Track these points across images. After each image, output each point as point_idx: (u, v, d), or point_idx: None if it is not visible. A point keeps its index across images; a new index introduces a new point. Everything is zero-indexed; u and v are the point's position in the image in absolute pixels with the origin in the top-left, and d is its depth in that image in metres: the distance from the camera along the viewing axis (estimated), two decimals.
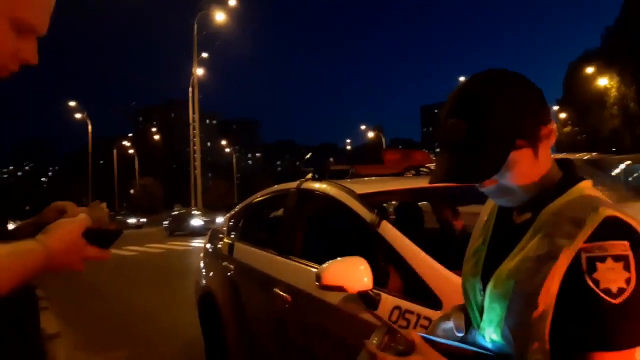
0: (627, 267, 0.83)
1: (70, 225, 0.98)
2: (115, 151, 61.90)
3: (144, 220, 41.70)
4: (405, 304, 1.96)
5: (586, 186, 0.98)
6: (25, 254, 0.89)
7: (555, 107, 51.68)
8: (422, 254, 2.03)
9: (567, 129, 47.71)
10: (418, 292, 1.95)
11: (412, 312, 1.91)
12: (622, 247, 0.84)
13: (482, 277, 1.05)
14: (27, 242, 0.92)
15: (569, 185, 0.97)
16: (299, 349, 2.66)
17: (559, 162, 1.03)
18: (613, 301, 0.82)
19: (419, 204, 3.41)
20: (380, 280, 2.11)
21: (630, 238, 0.85)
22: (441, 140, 1.01)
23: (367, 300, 2.07)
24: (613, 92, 41.15)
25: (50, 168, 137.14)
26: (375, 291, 2.06)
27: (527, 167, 0.95)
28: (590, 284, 0.83)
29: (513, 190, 0.98)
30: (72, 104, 51.59)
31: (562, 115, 48.75)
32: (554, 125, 0.97)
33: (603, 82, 40.85)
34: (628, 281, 0.82)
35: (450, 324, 1.17)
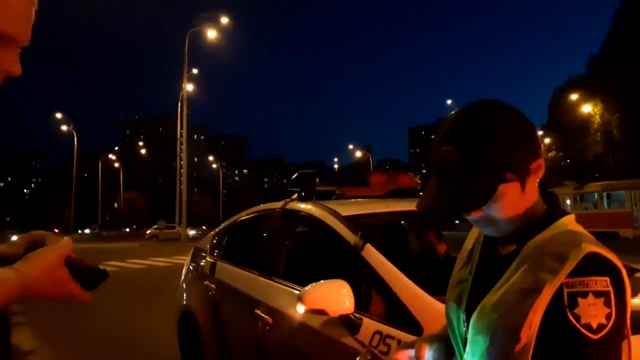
0: (607, 303, 0.84)
1: (51, 252, 0.94)
2: (100, 164, 61.31)
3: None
4: (387, 329, 1.94)
5: (569, 220, 0.99)
6: None
7: (540, 132, 52.50)
8: (405, 278, 2.02)
9: (552, 154, 48.39)
10: (399, 317, 1.93)
11: (392, 338, 1.89)
12: (603, 283, 0.85)
13: (466, 308, 1.05)
14: (1, 269, 0.87)
15: (553, 219, 0.98)
16: None
17: (543, 194, 1.04)
18: (593, 337, 0.82)
19: (402, 222, 3.41)
20: (362, 304, 2.09)
21: (611, 274, 0.86)
22: (432, 166, 1.01)
23: (349, 324, 2.06)
24: (597, 119, 41.94)
25: (34, 180, 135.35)
26: (357, 315, 2.05)
27: (514, 199, 0.96)
28: (572, 319, 0.84)
29: (498, 221, 0.98)
30: (58, 115, 51.21)
31: (547, 140, 49.48)
32: (542, 160, 0.98)
33: (587, 108, 41.64)
34: (609, 317, 0.83)
35: (411, 353, 1.18)
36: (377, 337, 1.95)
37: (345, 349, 2.04)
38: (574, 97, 42.57)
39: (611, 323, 0.83)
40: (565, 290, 0.85)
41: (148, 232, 41.38)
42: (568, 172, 41.71)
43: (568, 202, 23.77)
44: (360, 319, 2.05)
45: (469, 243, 1.17)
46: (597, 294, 0.84)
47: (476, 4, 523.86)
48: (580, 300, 0.84)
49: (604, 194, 22.19)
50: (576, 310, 0.84)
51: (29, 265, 0.90)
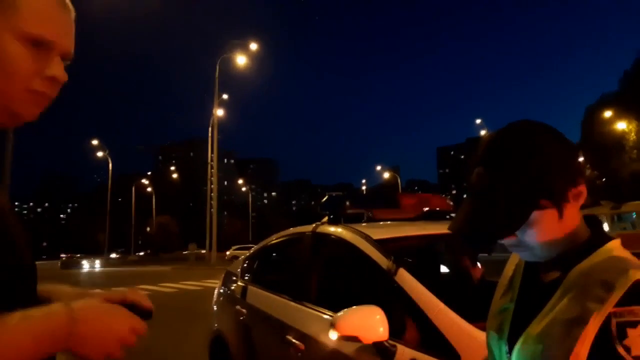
0: None
1: (105, 293, 0.91)
2: (133, 189, 62.70)
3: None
4: (422, 357, 1.89)
5: (615, 246, 0.95)
6: (42, 320, 0.76)
7: None
8: (441, 304, 1.97)
9: (587, 172, 47.20)
10: (436, 344, 1.88)
11: None
12: None
13: (508, 337, 1.01)
14: (49, 305, 0.79)
15: (597, 244, 0.94)
16: None
17: (586, 218, 1.00)
18: None
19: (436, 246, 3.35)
20: (396, 331, 2.05)
21: None
22: (467, 186, 0.99)
23: (383, 351, 2.01)
24: (632, 136, 40.82)
25: (70, 205, 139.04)
26: (391, 342, 2.00)
27: (550, 226, 0.93)
28: (621, 351, 0.80)
29: (533, 247, 0.95)
30: (94, 142, 52.75)
31: (581, 159, 48.37)
32: (583, 187, 0.94)
33: (622, 125, 40.60)
34: None
35: None
36: None
37: None
38: (607, 114, 41.63)
39: None
40: (614, 321, 0.82)
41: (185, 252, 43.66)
42: (604, 191, 40.54)
43: (605, 222, 23.06)
44: (395, 347, 2.00)
45: (509, 270, 1.13)
46: None
47: (507, 22, 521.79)
48: (629, 331, 0.80)
49: None
50: (626, 342, 0.80)
51: (81, 301, 0.84)
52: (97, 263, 51.00)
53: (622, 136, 41.43)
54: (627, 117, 40.16)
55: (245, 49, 31.83)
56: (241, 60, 31.91)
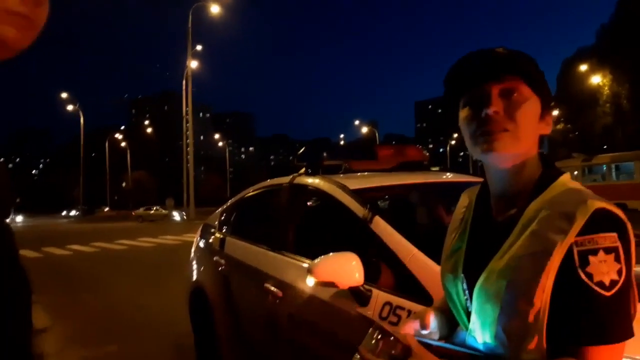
0: (617, 259, 0.84)
1: None
2: (107, 144, 61.46)
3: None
4: (397, 300, 1.95)
5: (567, 179, 0.99)
6: None
7: None
8: (414, 249, 2.02)
9: (560, 126, 47.91)
10: (409, 288, 1.93)
11: (403, 308, 1.90)
12: (612, 239, 0.85)
13: (466, 276, 1.03)
14: None
15: (551, 178, 0.98)
16: (289, 344, 2.65)
17: (539, 156, 1.03)
18: (606, 294, 0.83)
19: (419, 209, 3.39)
20: (371, 276, 2.10)
21: (618, 229, 0.86)
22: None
23: (358, 296, 2.06)
24: (606, 90, 41.34)
25: (42, 160, 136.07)
26: (367, 287, 2.06)
27: (530, 118, 0.96)
28: (584, 277, 0.84)
29: (512, 129, 0.94)
30: (64, 95, 51.15)
31: (555, 113, 48.95)
32: (551, 120, 1.01)
33: (596, 79, 41.02)
34: (620, 273, 0.84)
35: (417, 325, 1.15)
36: (387, 308, 1.96)
37: (355, 320, 2.05)
38: (583, 67, 41.89)
39: (622, 278, 0.84)
40: (576, 250, 0.85)
41: (133, 213, 42.84)
42: (576, 144, 41.35)
43: (576, 174, 23.63)
44: (370, 291, 2.05)
45: (459, 212, 1.15)
46: (607, 251, 0.84)
47: None
48: (591, 258, 0.84)
49: (613, 166, 22.05)
50: (588, 269, 0.84)
51: None
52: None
53: (596, 90, 41.92)
54: (602, 70, 40.53)
55: None
56: (215, 9, 30.91)
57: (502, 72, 0.95)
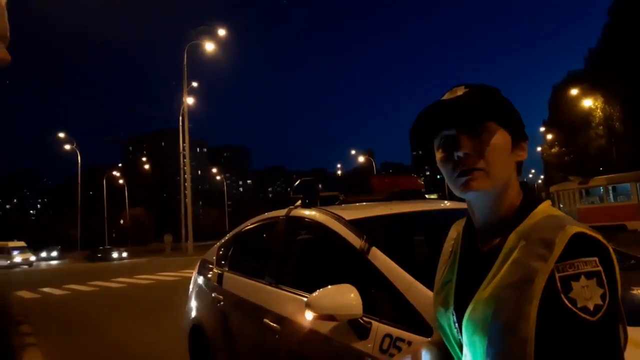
0: (600, 283, 0.84)
1: None
2: (104, 181, 61.47)
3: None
4: (397, 332, 1.93)
5: (547, 206, 1.00)
6: None
7: (542, 129, 52.41)
8: (412, 280, 2.01)
9: (555, 149, 48.25)
10: (409, 319, 1.91)
11: (403, 340, 1.88)
12: (592, 263, 0.85)
13: (455, 308, 1.03)
14: None
15: (531, 206, 0.99)
16: None
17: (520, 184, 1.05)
18: (591, 319, 0.82)
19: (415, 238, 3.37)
20: (371, 308, 2.08)
21: (599, 253, 0.86)
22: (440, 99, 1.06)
23: (358, 328, 2.04)
24: (598, 113, 41.80)
25: (39, 200, 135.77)
26: (366, 319, 2.04)
27: (502, 153, 0.98)
28: (568, 303, 0.84)
29: (485, 168, 0.96)
30: (61, 134, 51.42)
31: (549, 137, 49.37)
32: (526, 146, 1.04)
33: (588, 103, 41.52)
34: (604, 297, 0.83)
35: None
36: (388, 340, 1.93)
37: (356, 354, 2.02)
38: (574, 92, 42.47)
39: (607, 302, 0.83)
40: (557, 276, 0.85)
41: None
42: (572, 167, 41.57)
43: (574, 197, 23.66)
44: (370, 323, 2.03)
45: (448, 245, 1.16)
46: (589, 275, 0.84)
47: (475, 3, 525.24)
48: (573, 283, 0.84)
49: (610, 187, 22.11)
50: (571, 295, 0.84)
51: None
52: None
53: (588, 113, 42.38)
54: (593, 94, 41.06)
55: (213, 35, 31.38)
56: (209, 46, 31.47)
57: (464, 119, 0.99)
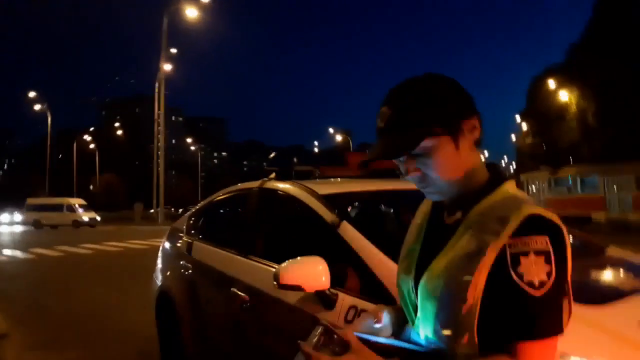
0: (548, 261, 0.89)
1: None
2: (75, 145, 60.04)
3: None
4: (362, 303, 1.96)
5: (510, 187, 1.04)
6: None
7: (518, 119, 53.15)
8: (380, 254, 2.04)
9: (529, 140, 49.09)
10: (375, 291, 1.95)
11: (367, 312, 1.91)
12: (543, 242, 0.90)
13: (415, 276, 1.08)
14: None
15: (495, 185, 1.03)
16: (256, 349, 2.63)
17: (487, 165, 1.09)
18: (536, 293, 0.87)
19: (384, 209, 3.43)
20: (338, 280, 2.11)
21: (550, 233, 0.91)
22: (376, 129, 1.07)
23: (324, 299, 2.07)
24: (573, 107, 42.53)
25: (6, 160, 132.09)
26: (333, 291, 2.07)
27: (448, 157, 1.00)
28: (515, 277, 0.89)
29: (437, 182, 1.02)
30: (32, 94, 49.86)
31: (525, 127, 50.14)
32: (476, 121, 1.03)
33: (564, 96, 42.16)
34: (549, 274, 0.88)
35: (371, 322, 1.21)
36: (352, 311, 1.97)
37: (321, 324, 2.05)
38: (551, 84, 43.03)
39: (552, 280, 0.88)
40: (508, 250, 0.90)
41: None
42: (544, 157, 42.40)
43: (543, 185, 24.20)
44: (336, 295, 2.06)
45: (417, 218, 1.21)
46: (538, 253, 0.89)
47: None
48: (522, 259, 0.89)
49: (578, 179, 22.66)
50: (519, 269, 0.89)
51: None
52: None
53: (564, 106, 43.08)
54: (570, 88, 41.69)
55: (195, 0, 30.58)
56: (191, 12, 30.69)
57: (397, 154, 1.03)
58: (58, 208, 36.45)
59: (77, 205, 37.01)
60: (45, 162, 52.79)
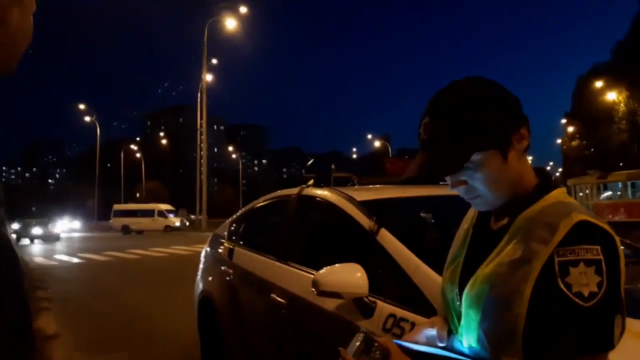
0: (599, 272, 0.84)
1: None
2: (122, 154, 62.12)
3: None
4: (400, 312, 1.95)
5: (560, 193, 1.00)
6: None
7: (564, 121, 51.49)
8: (419, 262, 2.02)
9: (575, 142, 47.48)
10: (413, 300, 1.93)
11: (406, 320, 1.90)
12: (594, 251, 0.85)
13: (459, 283, 1.06)
14: None
15: (544, 192, 0.99)
16: (295, 355, 2.65)
17: (536, 170, 1.05)
18: (585, 304, 0.83)
19: (423, 215, 3.39)
20: (377, 288, 2.10)
21: (602, 242, 0.86)
22: (418, 141, 1.04)
23: (363, 307, 2.07)
24: (622, 107, 40.88)
25: (58, 170, 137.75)
26: (371, 298, 2.06)
27: (496, 170, 0.97)
28: (563, 287, 0.84)
29: (484, 193, 0.99)
30: (81, 106, 51.96)
31: (570, 129, 48.55)
32: (525, 131, 0.99)
33: (612, 96, 40.60)
34: (600, 285, 0.83)
35: (433, 332, 1.16)
36: (391, 320, 1.96)
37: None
38: (598, 84, 41.53)
39: (603, 291, 0.83)
40: (556, 260, 0.86)
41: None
42: (592, 161, 40.89)
43: (592, 190, 23.36)
44: (375, 302, 2.06)
45: (464, 224, 1.17)
46: (588, 263, 0.84)
47: None
48: (571, 269, 0.85)
49: (629, 183, 21.73)
50: (567, 279, 0.84)
51: None
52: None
53: (612, 107, 41.47)
54: (618, 87, 40.10)
55: (234, 11, 31.20)
56: (230, 23, 31.31)
57: (443, 174, 1.01)
58: (149, 214, 38.10)
59: (166, 211, 38.72)
60: (94, 171, 54.76)
